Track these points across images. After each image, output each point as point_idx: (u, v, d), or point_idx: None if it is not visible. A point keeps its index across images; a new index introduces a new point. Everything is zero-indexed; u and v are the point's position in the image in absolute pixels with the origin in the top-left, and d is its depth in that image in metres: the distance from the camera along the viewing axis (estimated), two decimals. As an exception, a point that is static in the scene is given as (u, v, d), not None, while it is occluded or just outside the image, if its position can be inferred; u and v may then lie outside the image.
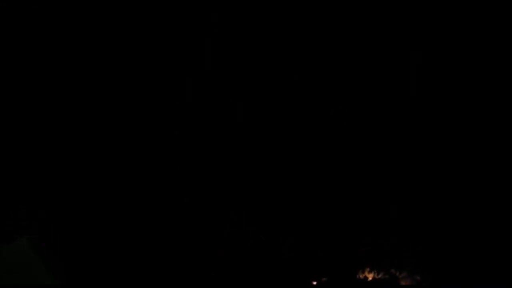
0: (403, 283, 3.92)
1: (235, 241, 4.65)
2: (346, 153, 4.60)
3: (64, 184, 4.44)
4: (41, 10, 4.44)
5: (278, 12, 4.53)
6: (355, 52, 4.58)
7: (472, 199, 4.51)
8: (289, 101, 4.63)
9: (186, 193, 4.63)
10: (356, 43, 4.56)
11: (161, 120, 4.67)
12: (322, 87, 4.64)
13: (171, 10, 4.57)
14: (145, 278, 4.51)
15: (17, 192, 4.38)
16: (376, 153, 4.57)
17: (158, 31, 4.58)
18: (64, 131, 4.51)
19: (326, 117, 4.65)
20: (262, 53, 4.56)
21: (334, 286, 4.14)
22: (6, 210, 4.32)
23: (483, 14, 4.41)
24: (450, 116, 4.58)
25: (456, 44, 4.47)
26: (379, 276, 4.01)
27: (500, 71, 4.45)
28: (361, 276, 4.03)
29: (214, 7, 4.52)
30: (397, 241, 4.23)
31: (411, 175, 4.54)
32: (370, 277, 4.00)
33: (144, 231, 4.53)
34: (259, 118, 4.68)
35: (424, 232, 4.35)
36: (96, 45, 4.54)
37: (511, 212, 4.46)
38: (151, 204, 4.59)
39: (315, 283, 4.14)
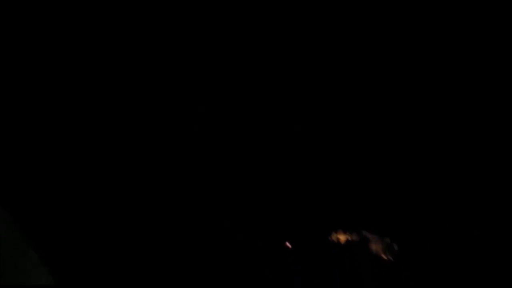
0: (373, 245, 4.06)
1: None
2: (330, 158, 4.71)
3: (47, 186, 4.45)
4: (46, 11, 4.49)
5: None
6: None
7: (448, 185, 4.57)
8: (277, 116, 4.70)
9: (181, 199, 4.66)
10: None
11: (158, 127, 4.67)
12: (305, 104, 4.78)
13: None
14: (134, 280, 4.50)
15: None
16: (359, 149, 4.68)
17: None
18: (54, 135, 4.54)
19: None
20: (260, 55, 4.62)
21: (308, 248, 4.29)
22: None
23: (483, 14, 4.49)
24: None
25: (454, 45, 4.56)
26: (351, 238, 4.19)
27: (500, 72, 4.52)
28: (334, 238, 4.22)
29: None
30: (368, 204, 4.36)
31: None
32: (342, 239, 4.18)
33: (132, 235, 4.54)
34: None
35: (395, 199, 4.43)
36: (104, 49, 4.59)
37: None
38: (140, 209, 4.60)
39: (289, 245, 4.31)
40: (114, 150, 4.62)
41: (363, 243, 3.88)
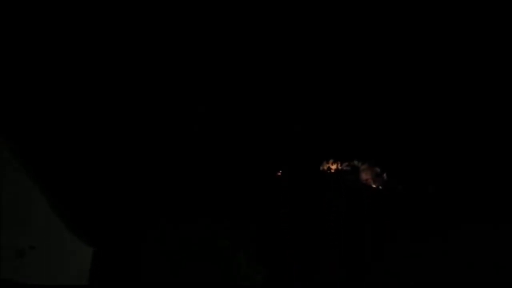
0: (363, 174, 3.94)
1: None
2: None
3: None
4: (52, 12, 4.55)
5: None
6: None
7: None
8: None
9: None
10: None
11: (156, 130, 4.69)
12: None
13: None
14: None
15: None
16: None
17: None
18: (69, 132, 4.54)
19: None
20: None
21: (297, 177, 4.12)
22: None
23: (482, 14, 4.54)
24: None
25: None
26: (342, 167, 4.06)
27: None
28: (325, 167, 4.09)
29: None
30: (361, 137, 4.20)
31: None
32: (333, 167, 4.06)
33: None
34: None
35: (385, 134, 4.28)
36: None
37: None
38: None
39: (279, 173, 4.17)
40: (113, 150, 4.60)
41: (354, 172, 3.78)
